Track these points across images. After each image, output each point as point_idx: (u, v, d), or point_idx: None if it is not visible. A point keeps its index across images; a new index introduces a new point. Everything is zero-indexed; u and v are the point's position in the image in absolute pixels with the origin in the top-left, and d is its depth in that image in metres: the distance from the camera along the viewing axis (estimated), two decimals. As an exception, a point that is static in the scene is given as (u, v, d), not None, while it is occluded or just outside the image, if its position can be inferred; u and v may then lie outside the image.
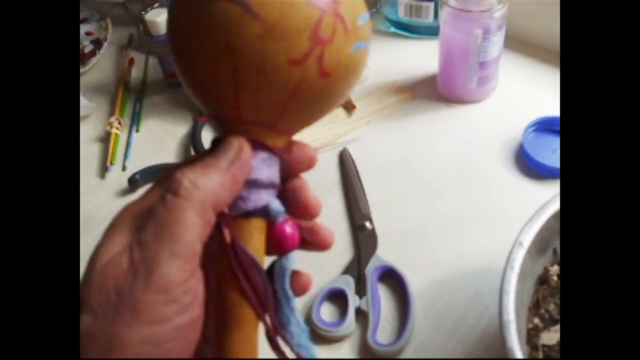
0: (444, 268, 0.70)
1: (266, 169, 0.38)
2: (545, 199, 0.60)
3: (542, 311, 0.59)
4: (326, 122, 0.87)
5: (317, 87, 0.36)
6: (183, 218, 0.33)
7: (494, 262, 0.69)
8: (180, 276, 0.32)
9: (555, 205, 0.59)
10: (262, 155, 0.37)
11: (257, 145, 0.37)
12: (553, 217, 0.59)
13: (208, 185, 0.34)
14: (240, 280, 0.36)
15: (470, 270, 0.69)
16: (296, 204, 0.39)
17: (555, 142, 0.80)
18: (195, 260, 0.34)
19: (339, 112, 0.89)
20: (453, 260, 0.70)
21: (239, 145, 0.36)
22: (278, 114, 0.37)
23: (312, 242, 0.43)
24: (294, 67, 0.35)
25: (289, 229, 0.38)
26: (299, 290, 0.42)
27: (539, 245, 0.59)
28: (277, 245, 0.38)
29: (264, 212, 0.38)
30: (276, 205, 0.38)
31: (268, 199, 0.38)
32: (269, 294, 0.38)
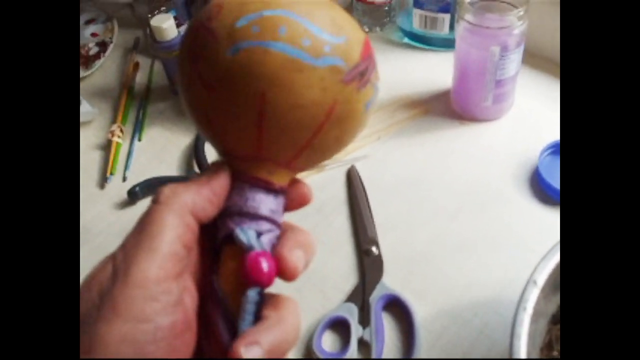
0: (453, 297, 0.67)
1: (264, 204, 0.38)
2: (557, 225, 0.57)
3: (555, 353, 0.56)
4: (334, 137, 0.84)
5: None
6: (161, 218, 0.34)
7: (505, 294, 0.66)
8: (158, 273, 0.32)
9: (573, 241, 0.55)
10: (262, 192, 0.38)
11: (261, 182, 0.38)
12: (570, 253, 0.55)
13: (187, 194, 0.35)
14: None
15: (480, 301, 0.66)
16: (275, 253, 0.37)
17: (572, 166, 0.77)
18: (176, 262, 0.34)
19: (348, 127, 0.86)
20: (463, 289, 0.67)
21: (219, 165, 0.38)
22: (297, 153, 0.38)
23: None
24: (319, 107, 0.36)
25: (264, 263, 0.36)
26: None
27: (554, 283, 0.55)
28: (247, 277, 0.36)
29: (238, 241, 0.37)
30: (249, 235, 0.36)
31: (240, 227, 0.37)
32: (219, 329, 0.36)
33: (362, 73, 0.37)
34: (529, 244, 0.70)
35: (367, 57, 0.38)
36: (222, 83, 0.35)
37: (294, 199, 0.40)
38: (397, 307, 0.66)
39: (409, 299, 0.65)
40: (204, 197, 0.36)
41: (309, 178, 0.79)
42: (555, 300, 0.57)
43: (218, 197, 0.37)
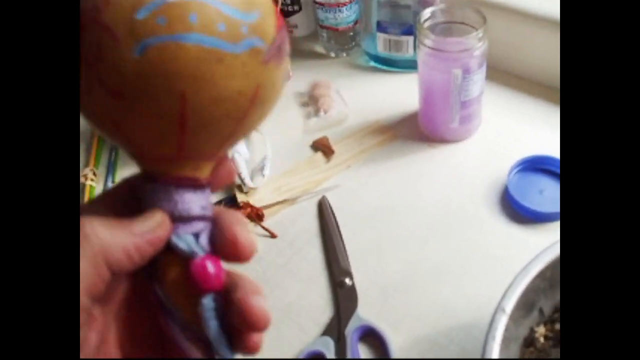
0: (428, 324, 0.66)
1: (195, 203, 0.35)
2: (532, 246, 0.57)
3: (529, 376, 0.56)
4: (305, 168, 0.84)
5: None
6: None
7: (480, 317, 0.66)
8: None
9: (541, 264, 0.56)
10: (190, 191, 0.35)
11: (187, 181, 0.35)
12: (538, 276, 0.56)
13: (107, 240, 0.31)
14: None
15: (456, 326, 0.66)
16: (224, 240, 0.35)
17: (541, 182, 0.77)
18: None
19: (317, 158, 0.86)
20: (438, 315, 0.67)
21: (160, 220, 0.34)
22: (222, 144, 0.35)
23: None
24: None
25: (210, 267, 0.33)
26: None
27: (524, 307, 0.56)
28: (195, 283, 0.33)
29: (177, 249, 0.34)
30: (187, 241, 0.34)
31: (176, 234, 0.34)
32: (176, 338, 0.34)
33: (279, 47, 0.34)
34: (502, 264, 0.70)
35: (281, 27, 0.35)
36: (131, 88, 0.31)
37: (222, 177, 0.37)
38: (373, 338, 0.66)
39: (385, 328, 0.65)
40: (124, 253, 0.32)
41: (280, 212, 0.80)
42: (526, 323, 0.57)
43: (141, 255, 0.33)
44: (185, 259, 0.34)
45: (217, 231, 0.35)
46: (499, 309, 0.53)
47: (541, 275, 0.56)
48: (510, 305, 0.54)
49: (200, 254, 0.34)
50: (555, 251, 0.56)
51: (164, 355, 0.35)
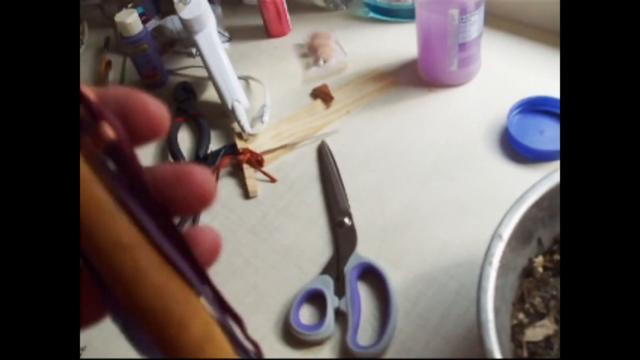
0: (428, 262, 0.66)
1: None
2: (529, 181, 0.56)
3: (527, 306, 0.56)
4: (304, 115, 0.84)
5: None
6: None
7: (479, 254, 0.66)
8: None
9: (537, 193, 0.56)
10: None
11: None
12: (535, 205, 0.55)
13: None
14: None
15: (455, 263, 0.66)
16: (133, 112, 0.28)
17: (541, 123, 0.76)
18: None
19: (317, 105, 0.86)
20: (437, 253, 0.67)
21: None
22: None
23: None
24: None
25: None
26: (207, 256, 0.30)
27: (522, 236, 0.55)
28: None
29: None
30: None
31: None
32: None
33: None
34: (501, 203, 0.69)
35: None
36: None
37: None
38: (372, 276, 0.66)
39: (384, 267, 0.65)
40: None
41: (280, 158, 0.79)
42: (525, 253, 0.57)
43: None
44: None
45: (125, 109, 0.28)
46: (495, 235, 0.53)
47: (538, 204, 0.55)
48: (507, 232, 0.53)
49: None
50: (553, 181, 0.56)
51: None
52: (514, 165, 0.74)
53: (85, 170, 0.25)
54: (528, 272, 0.57)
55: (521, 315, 0.55)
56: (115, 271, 0.24)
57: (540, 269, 0.57)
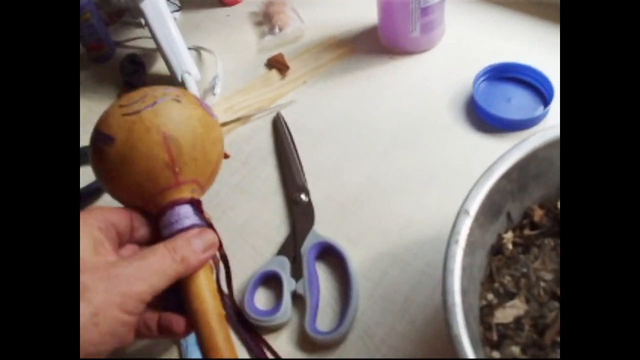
0: (390, 240, 0.62)
1: (193, 216, 0.49)
2: (497, 152, 0.53)
3: (497, 285, 0.52)
4: (259, 86, 0.79)
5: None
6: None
7: (445, 230, 0.62)
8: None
9: (506, 164, 0.51)
10: (189, 207, 0.50)
11: (193, 200, 0.50)
12: (504, 177, 0.51)
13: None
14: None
15: (419, 241, 0.62)
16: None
17: (509, 90, 0.72)
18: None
19: (272, 76, 0.81)
20: (400, 230, 0.63)
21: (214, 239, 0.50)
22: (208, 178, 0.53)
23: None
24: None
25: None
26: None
27: (490, 211, 0.51)
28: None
29: None
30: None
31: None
32: None
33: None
34: (467, 174, 0.65)
35: None
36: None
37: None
38: (331, 256, 0.62)
39: (343, 245, 0.61)
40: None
41: (234, 131, 0.74)
42: (493, 229, 0.53)
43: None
44: None
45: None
46: (461, 211, 0.49)
47: (507, 176, 0.51)
48: (474, 207, 0.49)
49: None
50: (522, 151, 0.52)
51: None
52: (481, 135, 0.70)
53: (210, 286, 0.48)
54: (497, 249, 0.54)
55: (490, 296, 0.52)
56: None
57: (510, 246, 0.54)
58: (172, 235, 0.48)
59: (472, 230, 0.48)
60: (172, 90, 0.52)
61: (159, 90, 0.51)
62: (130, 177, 0.48)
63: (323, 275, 0.61)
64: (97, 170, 0.51)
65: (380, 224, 0.64)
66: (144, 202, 0.50)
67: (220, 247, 0.51)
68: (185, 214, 0.49)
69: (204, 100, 0.58)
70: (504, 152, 0.52)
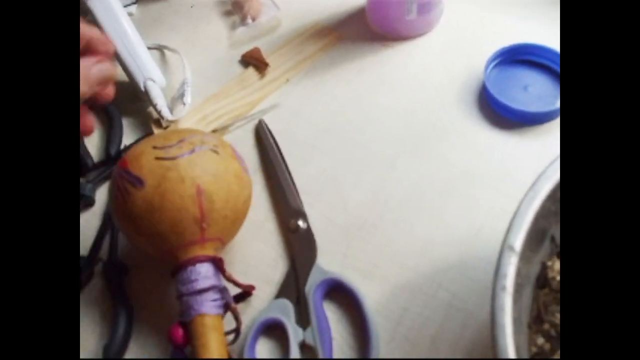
0: (408, 269, 0.54)
1: (214, 276, 0.48)
2: (523, 156, 0.46)
3: (547, 326, 0.43)
4: (235, 89, 0.68)
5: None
6: None
7: (471, 251, 0.54)
8: None
9: (551, 181, 0.43)
10: (211, 266, 0.49)
11: (216, 259, 0.49)
12: (549, 198, 0.43)
13: None
14: None
15: (442, 267, 0.53)
16: None
17: (525, 76, 0.63)
18: None
19: (248, 74, 0.70)
20: (418, 255, 0.54)
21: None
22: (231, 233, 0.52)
23: None
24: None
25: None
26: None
27: (535, 240, 0.43)
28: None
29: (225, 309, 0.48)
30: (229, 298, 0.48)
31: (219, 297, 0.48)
32: None
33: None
34: (489, 182, 0.57)
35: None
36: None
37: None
38: (340, 294, 0.53)
39: (354, 280, 0.52)
40: None
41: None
42: (537, 259, 0.44)
43: None
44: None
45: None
46: (505, 247, 0.40)
47: (551, 196, 0.42)
48: (519, 240, 0.41)
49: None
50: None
51: None
52: (498, 132, 0.61)
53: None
54: (542, 281, 0.45)
55: (541, 340, 0.43)
56: None
57: (558, 276, 0.45)
58: (189, 294, 0.47)
59: (519, 269, 0.40)
60: (211, 139, 0.51)
61: (197, 137, 0.50)
62: (155, 227, 0.47)
63: (334, 317, 0.52)
64: (117, 211, 0.49)
65: (394, 250, 0.54)
66: (162, 253, 0.49)
67: (234, 307, 0.49)
68: (206, 274, 0.48)
69: (236, 152, 0.54)
70: (544, 168, 0.43)
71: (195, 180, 0.47)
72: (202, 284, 0.47)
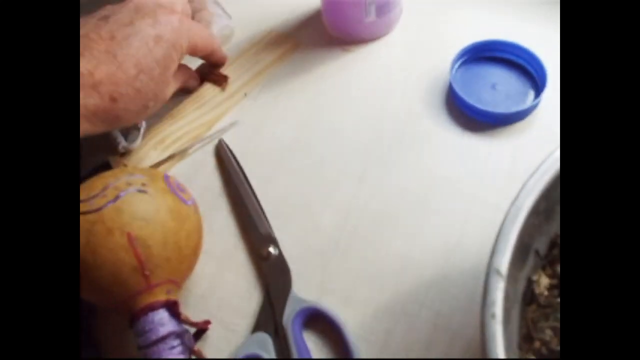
0: (387, 289, 0.51)
1: (169, 322, 0.45)
2: (495, 159, 0.48)
3: (537, 345, 0.42)
4: (191, 108, 0.65)
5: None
6: None
7: (451, 265, 0.51)
8: None
9: (533, 194, 0.41)
10: (165, 312, 0.46)
11: (169, 303, 0.46)
12: (532, 213, 0.41)
13: None
14: None
15: (422, 284, 0.51)
16: None
17: (492, 74, 0.61)
18: None
19: (205, 91, 0.66)
20: (397, 273, 0.52)
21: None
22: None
23: None
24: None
25: None
26: None
27: (520, 258, 0.41)
28: None
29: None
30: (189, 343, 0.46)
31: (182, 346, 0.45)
32: None
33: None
34: (464, 187, 0.55)
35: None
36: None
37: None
38: (320, 322, 0.50)
39: (333, 306, 0.50)
40: None
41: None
42: (523, 275, 0.42)
43: None
44: None
45: None
46: (491, 271, 0.38)
47: (535, 211, 0.41)
48: (504, 262, 0.38)
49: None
50: (548, 175, 0.41)
51: None
52: (470, 135, 0.59)
53: None
54: (529, 297, 0.43)
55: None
56: None
57: (546, 292, 0.43)
58: (147, 346, 0.44)
59: (507, 293, 0.38)
60: (138, 178, 0.48)
61: (122, 180, 0.47)
62: (95, 283, 0.45)
63: (315, 347, 0.49)
64: None
65: (372, 270, 0.52)
66: (115, 306, 0.46)
67: (198, 349, 0.48)
68: (160, 321, 0.45)
69: (174, 183, 0.51)
70: (525, 180, 0.41)
71: (124, 228, 0.44)
72: (157, 332, 0.44)
